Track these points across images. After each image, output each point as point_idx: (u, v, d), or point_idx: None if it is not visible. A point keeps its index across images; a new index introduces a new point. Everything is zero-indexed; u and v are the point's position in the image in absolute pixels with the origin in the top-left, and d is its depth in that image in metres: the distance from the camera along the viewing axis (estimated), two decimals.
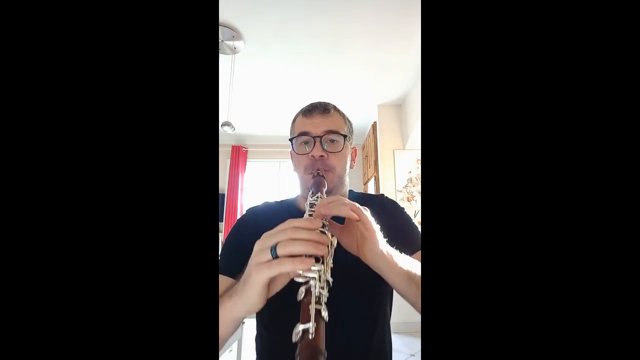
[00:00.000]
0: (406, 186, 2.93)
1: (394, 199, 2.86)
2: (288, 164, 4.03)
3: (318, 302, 0.31)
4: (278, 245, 0.34)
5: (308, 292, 0.32)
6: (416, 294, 0.43)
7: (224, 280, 0.56)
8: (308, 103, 0.66)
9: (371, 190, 3.30)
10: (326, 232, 0.38)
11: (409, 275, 0.43)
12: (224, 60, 2.33)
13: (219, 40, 2.09)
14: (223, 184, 3.83)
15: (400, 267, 0.43)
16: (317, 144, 0.59)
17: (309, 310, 0.30)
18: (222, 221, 3.74)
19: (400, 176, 2.94)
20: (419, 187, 2.92)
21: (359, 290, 0.56)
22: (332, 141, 0.60)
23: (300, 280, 0.33)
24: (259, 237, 0.56)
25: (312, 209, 0.44)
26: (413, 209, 2.81)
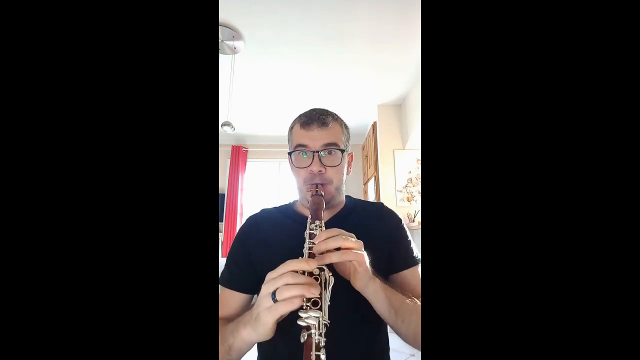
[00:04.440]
0: (406, 186, 2.93)
1: (394, 200, 2.81)
2: (288, 164, 3.99)
3: (317, 348, 0.37)
4: (277, 292, 0.39)
5: (309, 336, 0.37)
6: (398, 324, 0.51)
7: (236, 296, 0.63)
8: (306, 107, 0.68)
9: (371, 190, 3.30)
10: (324, 269, 0.43)
11: (391, 303, 0.50)
12: (224, 60, 2.33)
13: (219, 40, 2.09)
14: (223, 184, 3.83)
15: (384, 296, 0.50)
16: (316, 158, 0.60)
17: (310, 356, 0.36)
18: (222, 221, 3.74)
19: (400, 176, 2.94)
20: (419, 187, 2.92)
21: (358, 297, 0.55)
22: (330, 153, 0.62)
23: (302, 324, 0.38)
24: (262, 248, 0.64)
25: (312, 241, 0.47)
26: (413, 209, 2.81)
